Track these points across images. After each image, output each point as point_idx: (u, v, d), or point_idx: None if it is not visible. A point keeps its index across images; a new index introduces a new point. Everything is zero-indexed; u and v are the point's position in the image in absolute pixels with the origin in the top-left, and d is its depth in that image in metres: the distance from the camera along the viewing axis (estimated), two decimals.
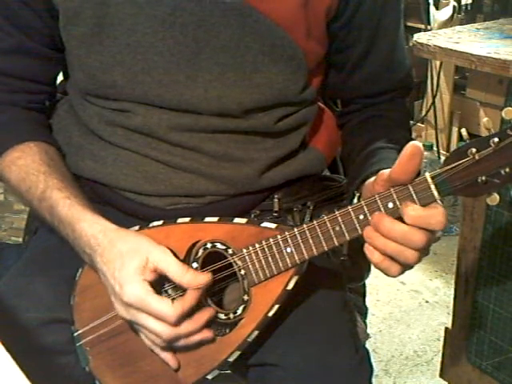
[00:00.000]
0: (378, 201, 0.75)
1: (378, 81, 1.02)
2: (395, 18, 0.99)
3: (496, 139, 0.69)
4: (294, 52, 0.91)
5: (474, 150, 0.70)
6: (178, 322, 0.81)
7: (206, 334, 0.85)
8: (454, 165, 0.71)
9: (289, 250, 0.81)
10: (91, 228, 0.86)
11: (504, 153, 0.69)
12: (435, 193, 0.72)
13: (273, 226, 0.83)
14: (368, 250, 0.76)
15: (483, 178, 0.71)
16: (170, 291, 0.86)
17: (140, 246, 0.83)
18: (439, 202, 0.73)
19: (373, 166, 0.84)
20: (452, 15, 2.49)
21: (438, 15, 2.49)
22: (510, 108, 0.69)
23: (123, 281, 0.81)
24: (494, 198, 0.72)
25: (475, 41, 1.28)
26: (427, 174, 0.73)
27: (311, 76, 0.97)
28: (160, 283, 0.85)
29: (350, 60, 0.99)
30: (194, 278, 0.82)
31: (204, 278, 0.82)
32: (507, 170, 0.69)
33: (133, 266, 0.81)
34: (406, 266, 0.77)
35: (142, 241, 0.84)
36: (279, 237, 0.81)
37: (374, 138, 0.95)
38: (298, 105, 0.97)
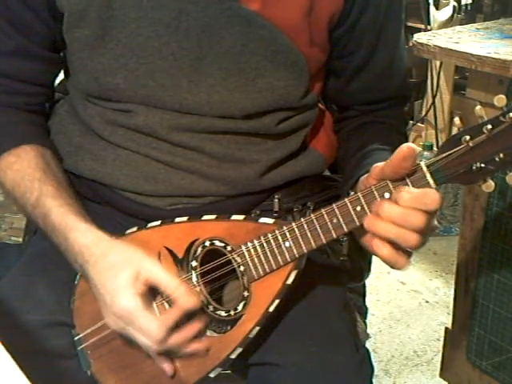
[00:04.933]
0: (375, 191, 0.75)
1: (376, 89, 1.02)
2: (396, 27, 1.00)
3: (489, 126, 0.70)
4: (297, 58, 0.92)
5: (467, 137, 0.71)
6: (164, 338, 0.82)
7: (196, 346, 0.85)
8: (448, 153, 0.72)
9: (287, 244, 0.81)
10: (84, 238, 0.86)
11: (497, 139, 0.70)
12: (431, 181, 0.73)
13: (271, 221, 0.83)
14: (375, 244, 0.75)
15: (478, 164, 0.71)
16: (158, 297, 0.86)
17: (132, 257, 0.83)
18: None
19: (367, 167, 0.84)
20: (452, 15, 2.49)
21: (438, 15, 2.49)
22: (501, 96, 0.69)
23: (115, 292, 0.82)
24: (490, 185, 0.73)
25: (475, 41, 1.28)
26: (422, 163, 0.73)
27: (313, 81, 0.97)
28: (152, 293, 0.85)
29: (350, 67, 0.99)
30: (185, 297, 0.82)
31: (194, 300, 0.82)
32: (501, 155, 0.70)
33: (124, 278, 0.81)
34: (409, 256, 0.77)
35: (134, 252, 0.84)
36: (277, 232, 0.81)
37: (369, 141, 0.95)
38: (300, 109, 0.97)
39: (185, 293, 0.82)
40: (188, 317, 0.85)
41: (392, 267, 0.77)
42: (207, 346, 0.86)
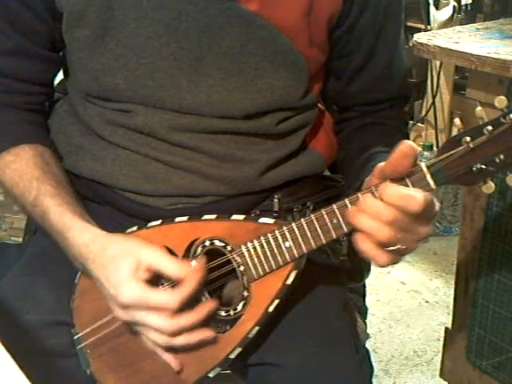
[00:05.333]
0: (375, 192, 0.75)
1: (376, 89, 1.02)
2: (396, 27, 1.00)
3: (490, 127, 0.69)
4: (297, 58, 0.92)
5: (468, 138, 0.71)
6: (178, 311, 0.81)
7: (207, 332, 0.85)
8: (448, 154, 0.72)
9: (287, 244, 0.81)
10: (81, 237, 0.86)
11: (498, 140, 0.69)
12: (431, 182, 0.73)
13: (271, 221, 0.84)
14: (358, 239, 0.75)
15: (478, 166, 0.71)
16: (167, 288, 0.86)
17: (130, 247, 0.83)
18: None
19: (371, 169, 0.84)
20: (452, 15, 2.49)
21: (438, 15, 2.49)
22: (502, 97, 0.69)
23: (118, 283, 0.82)
24: (490, 186, 0.73)
25: (475, 41, 1.27)
26: (422, 164, 0.73)
27: (312, 82, 0.97)
28: (156, 281, 0.85)
29: (350, 67, 0.99)
30: (190, 268, 0.82)
31: (202, 273, 0.82)
32: (502, 157, 0.70)
33: (125, 268, 0.81)
34: (392, 255, 0.75)
35: (131, 243, 0.84)
36: (277, 232, 0.81)
37: (371, 143, 0.95)
38: (299, 109, 0.97)
39: (191, 270, 0.82)
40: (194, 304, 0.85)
41: (375, 264, 0.76)
42: (215, 336, 0.85)
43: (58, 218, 0.89)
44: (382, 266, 0.76)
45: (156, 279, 0.84)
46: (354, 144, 1.00)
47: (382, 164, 0.75)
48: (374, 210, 0.72)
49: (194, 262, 0.85)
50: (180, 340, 0.84)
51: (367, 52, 0.98)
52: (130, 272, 0.81)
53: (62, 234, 0.88)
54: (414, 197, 0.71)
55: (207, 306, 0.84)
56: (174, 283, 0.84)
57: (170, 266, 0.82)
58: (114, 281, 0.82)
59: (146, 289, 0.81)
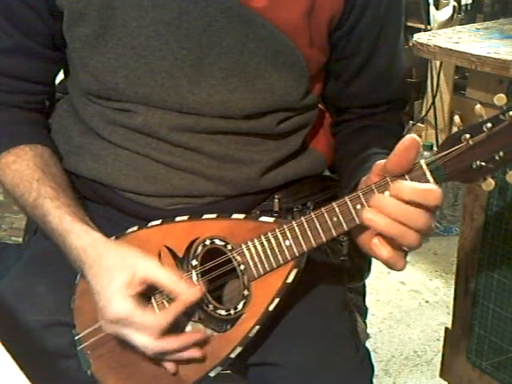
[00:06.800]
0: (375, 189, 0.75)
1: (374, 91, 1.02)
2: (396, 30, 0.99)
3: (489, 124, 0.70)
4: (297, 59, 0.92)
5: (467, 135, 0.71)
6: (162, 334, 0.82)
7: (194, 353, 0.85)
8: (448, 151, 0.72)
9: (287, 243, 0.81)
10: (80, 240, 0.86)
11: (497, 137, 0.70)
12: (431, 179, 0.73)
13: (271, 220, 0.84)
14: (375, 246, 0.75)
15: (478, 163, 0.71)
16: (157, 296, 0.86)
17: (126, 260, 0.83)
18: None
19: (367, 169, 0.84)
20: (452, 15, 2.49)
21: (438, 15, 2.49)
22: (501, 94, 0.69)
23: (108, 297, 0.82)
24: (490, 184, 0.73)
25: (475, 41, 1.27)
26: (422, 161, 0.73)
27: (313, 82, 0.97)
28: (149, 289, 0.85)
29: (349, 69, 0.99)
30: (187, 289, 0.83)
31: (196, 293, 0.83)
32: (501, 154, 0.70)
33: (118, 282, 0.82)
34: (406, 255, 0.76)
35: (129, 254, 0.84)
36: (277, 230, 0.81)
37: (368, 144, 0.95)
38: (300, 109, 0.97)
39: (185, 287, 0.83)
40: (187, 316, 0.85)
41: (391, 268, 0.77)
42: (203, 354, 0.86)
43: (57, 221, 0.89)
44: (399, 270, 0.76)
45: (150, 291, 0.84)
46: (352, 145, 1.00)
47: (381, 161, 0.75)
48: (402, 214, 0.72)
49: (194, 275, 0.86)
50: (165, 357, 0.85)
51: (366, 54, 0.98)
52: (122, 287, 0.81)
53: (61, 237, 0.88)
54: (432, 190, 0.71)
55: (193, 336, 0.85)
56: (168, 297, 0.85)
57: (167, 281, 0.82)
58: (104, 294, 0.82)
59: (134, 307, 0.81)
